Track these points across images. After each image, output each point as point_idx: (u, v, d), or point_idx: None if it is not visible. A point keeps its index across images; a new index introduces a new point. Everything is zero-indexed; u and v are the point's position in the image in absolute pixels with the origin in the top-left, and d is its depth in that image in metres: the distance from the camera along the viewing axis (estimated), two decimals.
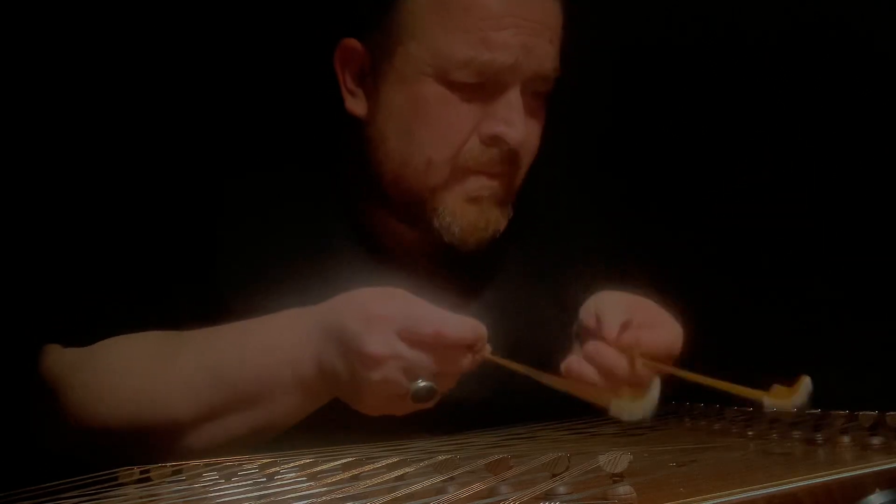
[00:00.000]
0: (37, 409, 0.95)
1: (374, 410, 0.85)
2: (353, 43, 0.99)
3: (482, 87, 0.95)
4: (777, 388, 0.81)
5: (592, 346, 0.91)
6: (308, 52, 1.07)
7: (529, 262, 1.10)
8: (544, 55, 0.97)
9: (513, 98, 0.96)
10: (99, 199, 1.14)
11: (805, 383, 0.80)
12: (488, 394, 0.95)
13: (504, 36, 0.94)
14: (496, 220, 1.00)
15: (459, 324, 0.81)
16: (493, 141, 0.96)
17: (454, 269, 1.04)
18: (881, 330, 1.17)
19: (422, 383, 0.80)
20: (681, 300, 0.97)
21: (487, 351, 0.83)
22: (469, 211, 0.98)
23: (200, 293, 0.96)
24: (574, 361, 0.91)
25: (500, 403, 0.97)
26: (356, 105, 1.01)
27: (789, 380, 0.81)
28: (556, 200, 1.15)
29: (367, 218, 1.04)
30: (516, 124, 0.95)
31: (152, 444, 0.87)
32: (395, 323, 0.81)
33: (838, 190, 1.24)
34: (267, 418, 0.88)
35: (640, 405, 0.84)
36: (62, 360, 0.93)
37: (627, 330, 0.91)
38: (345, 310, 0.84)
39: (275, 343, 0.87)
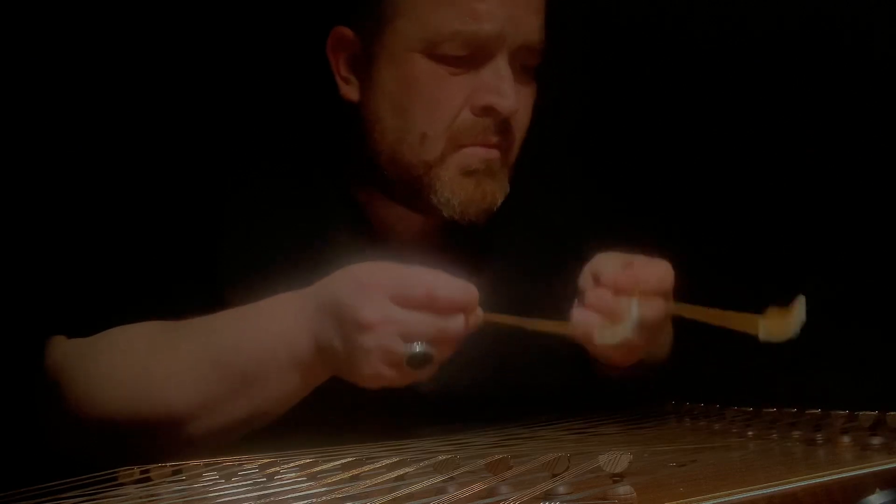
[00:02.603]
0: (41, 402, 0.95)
1: (373, 381, 0.85)
2: (343, 30, 1.01)
3: (471, 60, 0.97)
4: (772, 311, 0.78)
5: (593, 293, 0.92)
6: (301, 44, 1.08)
7: (528, 248, 1.11)
8: (530, 26, 0.98)
9: (502, 69, 0.97)
10: (99, 192, 1.14)
11: (800, 303, 0.76)
12: (486, 385, 0.96)
13: (489, 6, 0.95)
14: (493, 192, 1.00)
15: (450, 284, 0.82)
16: (485, 112, 0.98)
17: (452, 254, 1.04)
18: (881, 330, 1.17)
19: (417, 347, 0.81)
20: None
21: (480, 313, 0.84)
22: (466, 184, 0.99)
23: (201, 285, 0.97)
24: (580, 314, 0.92)
25: (498, 395, 0.97)
26: (350, 91, 1.02)
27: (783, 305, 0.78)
28: (551, 184, 1.17)
29: (366, 204, 1.05)
30: (507, 94, 0.97)
31: (153, 433, 0.88)
32: (387, 288, 0.82)
33: (837, 186, 1.24)
34: (266, 400, 0.88)
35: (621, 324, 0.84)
36: (65, 351, 0.94)
37: (623, 271, 0.92)
38: (337, 284, 0.85)
39: (270, 324, 0.88)
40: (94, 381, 0.91)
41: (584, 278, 0.95)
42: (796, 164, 1.28)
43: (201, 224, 1.00)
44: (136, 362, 0.91)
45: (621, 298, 0.89)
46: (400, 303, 0.81)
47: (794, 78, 1.26)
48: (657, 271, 0.93)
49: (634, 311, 0.86)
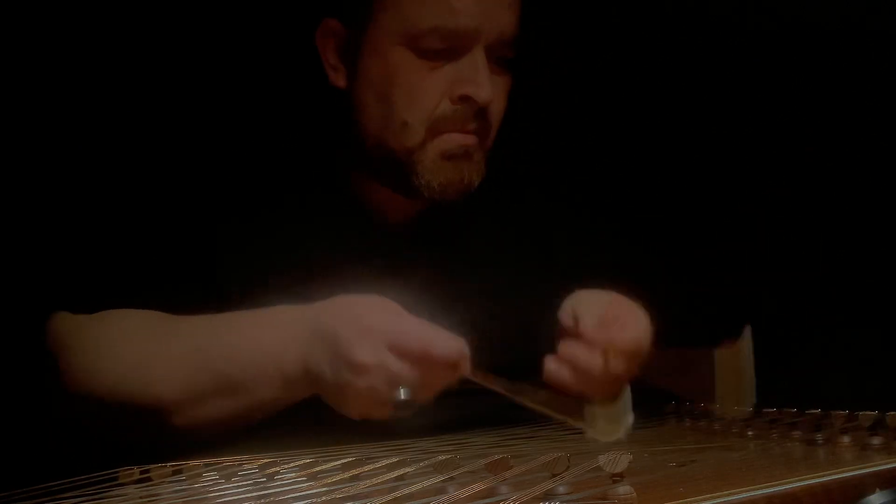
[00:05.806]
0: (42, 375, 0.97)
1: (356, 414, 0.87)
2: (332, 23, 1.07)
3: (449, 52, 1.02)
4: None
5: (567, 346, 0.94)
6: (294, 38, 1.12)
7: (503, 236, 1.15)
8: (504, 20, 1.04)
9: (478, 61, 1.03)
10: (101, 181, 1.17)
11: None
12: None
13: (465, 3, 1.01)
14: (470, 174, 1.06)
15: (445, 343, 0.85)
16: (463, 101, 1.03)
17: (434, 238, 1.11)
18: (881, 330, 1.17)
19: (402, 395, 0.83)
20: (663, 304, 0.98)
21: (467, 370, 0.86)
22: (445, 167, 1.04)
23: (199, 270, 1.00)
24: (552, 366, 0.94)
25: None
26: (338, 78, 1.08)
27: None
28: (528, 177, 1.21)
29: (358, 190, 1.10)
30: (483, 84, 1.02)
31: (139, 417, 0.90)
32: (386, 336, 0.84)
33: (837, 186, 1.24)
34: (247, 406, 0.91)
35: (614, 420, 0.83)
36: (68, 326, 0.97)
37: (602, 326, 0.94)
38: (338, 315, 0.87)
39: (263, 337, 0.91)
40: (92, 357, 0.94)
41: (565, 314, 0.98)
42: (793, 161, 1.28)
43: (198, 210, 1.04)
44: (133, 347, 0.94)
45: (593, 354, 0.92)
46: (396, 352, 0.84)
47: (787, 78, 1.27)
48: (637, 334, 0.95)
49: (627, 400, 0.86)
